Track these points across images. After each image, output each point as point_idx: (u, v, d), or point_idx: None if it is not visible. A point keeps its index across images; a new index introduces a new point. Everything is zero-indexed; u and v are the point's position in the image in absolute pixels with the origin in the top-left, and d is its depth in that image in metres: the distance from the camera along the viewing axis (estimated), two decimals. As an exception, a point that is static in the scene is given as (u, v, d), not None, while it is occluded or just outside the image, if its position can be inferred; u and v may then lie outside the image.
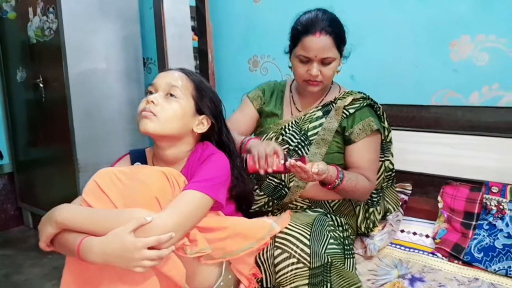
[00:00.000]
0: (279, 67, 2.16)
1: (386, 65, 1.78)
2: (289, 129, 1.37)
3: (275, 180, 1.35)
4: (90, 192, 0.90)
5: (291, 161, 1.10)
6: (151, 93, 1.07)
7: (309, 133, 1.34)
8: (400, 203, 1.55)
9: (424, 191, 1.62)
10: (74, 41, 2.15)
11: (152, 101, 1.02)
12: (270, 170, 1.11)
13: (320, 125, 1.33)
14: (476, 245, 1.29)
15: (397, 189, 1.59)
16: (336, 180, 1.19)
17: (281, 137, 1.37)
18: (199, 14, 2.31)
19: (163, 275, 0.89)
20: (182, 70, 1.11)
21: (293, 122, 1.37)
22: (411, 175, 1.64)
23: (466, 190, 1.46)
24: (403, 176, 1.64)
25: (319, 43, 1.23)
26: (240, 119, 1.45)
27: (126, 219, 0.83)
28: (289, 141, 1.35)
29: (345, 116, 1.31)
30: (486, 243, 1.28)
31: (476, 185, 1.45)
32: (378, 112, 1.36)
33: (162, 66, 2.20)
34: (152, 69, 2.65)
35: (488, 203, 1.37)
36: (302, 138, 1.34)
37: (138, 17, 2.47)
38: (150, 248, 0.82)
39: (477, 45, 1.56)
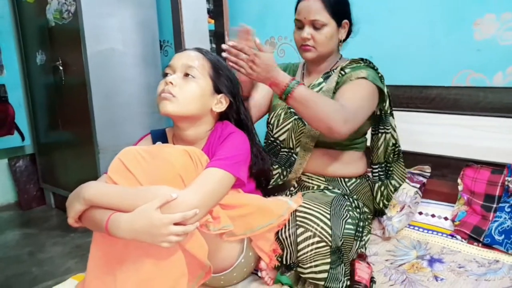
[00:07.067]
0: (295, 49, 2.13)
1: (402, 46, 1.74)
2: None
3: (285, 149, 1.38)
4: (116, 170, 0.92)
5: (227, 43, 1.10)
6: (168, 74, 1.07)
7: None
8: (406, 178, 1.52)
9: (442, 174, 1.60)
10: (92, 24, 2.17)
11: (171, 82, 1.02)
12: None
13: (321, 89, 1.34)
14: (497, 228, 1.28)
15: (416, 171, 1.58)
16: (289, 82, 1.11)
17: (289, 111, 1.38)
18: (215, -4, 2.29)
19: (187, 253, 0.92)
20: (198, 49, 1.11)
21: None
22: (430, 157, 1.62)
23: (487, 173, 1.44)
24: (421, 158, 1.62)
25: (307, 5, 1.29)
26: (254, 96, 1.39)
27: (152, 196, 0.85)
28: (295, 112, 1.31)
29: (341, 75, 1.31)
30: (508, 226, 1.27)
31: (498, 168, 1.43)
32: (380, 75, 1.31)
33: (179, 48, 2.20)
34: (169, 52, 2.65)
35: (511, 186, 1.35)
36: None
37: (155, 0, 2.47)
38: (176, 224, 0.84)
39: (502, 24, 1.52)
